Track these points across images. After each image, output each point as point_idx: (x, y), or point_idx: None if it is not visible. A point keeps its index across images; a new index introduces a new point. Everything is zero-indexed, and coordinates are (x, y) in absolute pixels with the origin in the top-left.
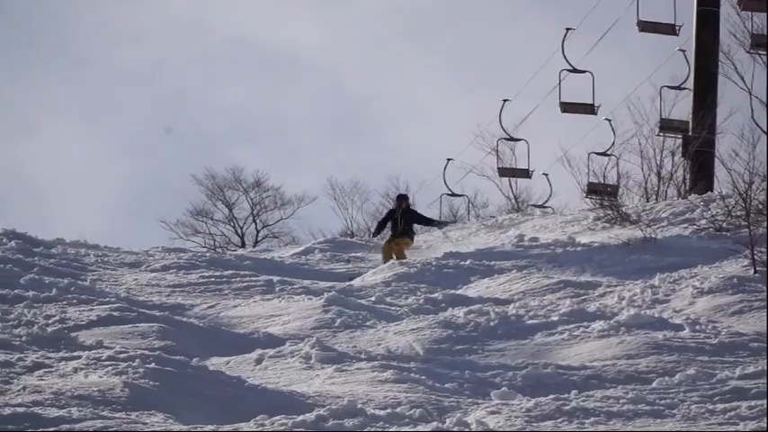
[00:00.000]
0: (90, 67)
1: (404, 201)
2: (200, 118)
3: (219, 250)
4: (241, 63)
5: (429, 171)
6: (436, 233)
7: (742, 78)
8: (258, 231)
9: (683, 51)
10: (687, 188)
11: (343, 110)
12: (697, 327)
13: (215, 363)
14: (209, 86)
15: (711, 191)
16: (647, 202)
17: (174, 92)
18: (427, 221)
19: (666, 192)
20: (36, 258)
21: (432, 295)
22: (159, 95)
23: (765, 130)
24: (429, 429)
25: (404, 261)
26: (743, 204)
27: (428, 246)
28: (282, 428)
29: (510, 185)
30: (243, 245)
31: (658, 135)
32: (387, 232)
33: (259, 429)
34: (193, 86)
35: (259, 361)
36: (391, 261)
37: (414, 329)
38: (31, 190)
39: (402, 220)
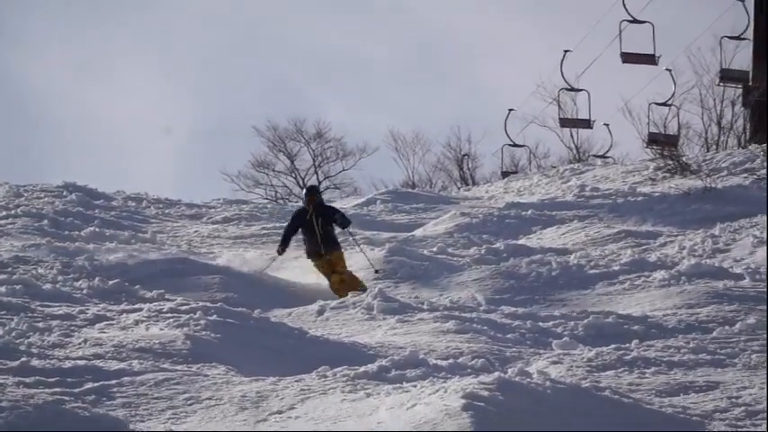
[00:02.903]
0: (163, 6)
1: (313, 195)
2: (274, 59)
3: (281, 202)
4: (316, 1)
5: (490, 120)
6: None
7: None
8: (320, 182)
9: (743, 2)
10: (747, 138)
11: (410, 52)
12: (757, 276)
13: (277, 314)
14: (282, 26)
15: None
16: (708, 151)
17: (249, 33)
18: (343, 221)
19: (727, 141)
20: (96, 211)
21: (493, 245)
22: (234, 36)
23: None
24: (491, 379)
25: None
26: None
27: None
28: (344, 379)
29: (571, 136)
30: None
31: (718, 85)
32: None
33: (321, 380)
34: (267, 26)
35: (321, 312)
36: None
37: (476, 280)
38: (94, 137)
39: (318, 222)
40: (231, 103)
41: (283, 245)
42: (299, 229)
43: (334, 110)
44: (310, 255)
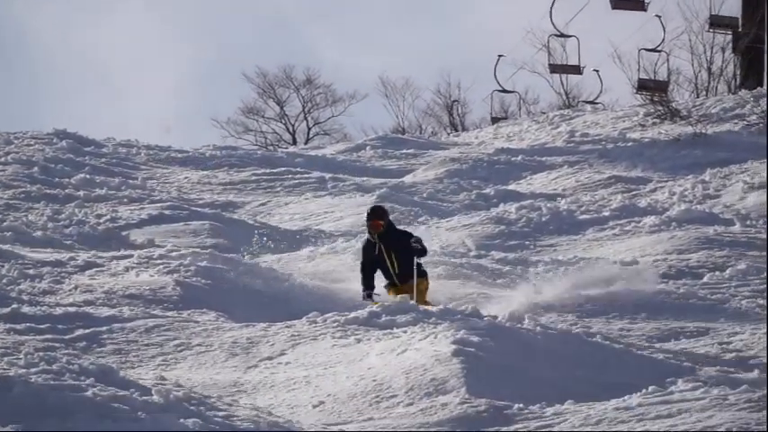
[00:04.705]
0: None
1: (379, 219)
2: None
3: (271, 148)
4: None
5: (480, 67)
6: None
7: None
8: (309, 129)
9: None
10: (737, 84)
11: None
12: (747, 222)
13: (267, 260)
14: None
15: (762, 86)
16: (698, 97)
17: None
18: (419, 252)
19: (717, 87)
20: (87, 158)
21: (483, 191)
22: None
23: None
24: (481, 325)
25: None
26: None
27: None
28: (335, 325)
29: (561, 82)
30: (294, 142)
31: (708, 31)
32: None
33: (311, 326)
34: None
35: (311, 258)
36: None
37: (466, 225)
38: (84, 82)
39: (391, 255)
40: (222, 46)
41: (368, 287)
42: (375, 265)
43: (324, 53)
44: (387, 286)
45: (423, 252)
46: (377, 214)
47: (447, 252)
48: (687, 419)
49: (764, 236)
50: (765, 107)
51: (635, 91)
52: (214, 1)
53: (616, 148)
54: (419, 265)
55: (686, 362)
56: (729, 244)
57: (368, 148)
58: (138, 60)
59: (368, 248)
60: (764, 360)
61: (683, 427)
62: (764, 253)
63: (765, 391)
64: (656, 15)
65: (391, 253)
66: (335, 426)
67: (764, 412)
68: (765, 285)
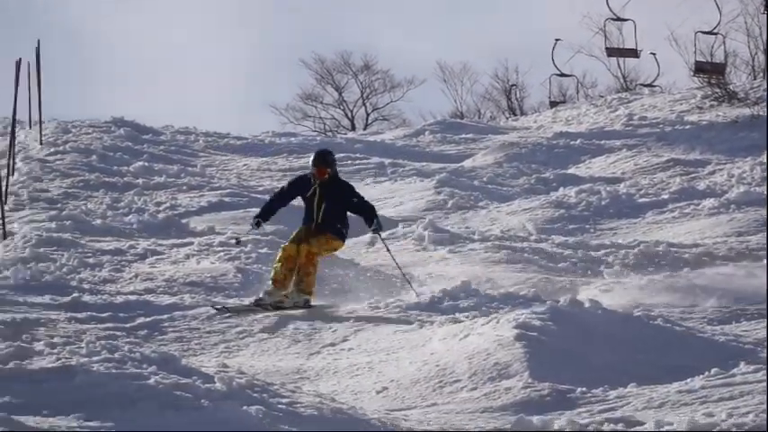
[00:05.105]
0: None
1: (325, 167)
2: None
3: (330, 134)
4: None
5: (537, 51)
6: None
7: None
8: (368, 114)
9: None
10: None
11: None
12: None
13: None
14: None
15: None
16: (755, 79)
17: None
18: (364, 210)
19: None
20: (145, 146)
21: (543, 175)
22: None
23: None
24: (543, 309)
25: (305, 291)
26: None
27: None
28: (397, 310)
29: (618, 65)
30: (353, 128)
31: (763, 13)
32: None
33: (373, 311)
34: None
35: (372, 243)
36: (280, 292)
37: (526, 209)
38: (140, 72)
39: (322, 204)
40: (278, 33)
41: (263, 216)
42: (293, 200)
43: (380, 39)
44: (297, 234)
45: (373, 215)
46: (325, 161)
47: (507, 236)
48: (750, 401)
49: None
50: None
51: (692, 74)
52: None
53: (674, 131)
54: (339, 229)
55: (748, 344)
56: None
57: (427, 133)
58: (195, 48)
59: (300, 184)
60: None
61: (746, 409)
62: None
63: None
64: None
65: (323, 203)
66: (399, 411)
67: None
68: None
